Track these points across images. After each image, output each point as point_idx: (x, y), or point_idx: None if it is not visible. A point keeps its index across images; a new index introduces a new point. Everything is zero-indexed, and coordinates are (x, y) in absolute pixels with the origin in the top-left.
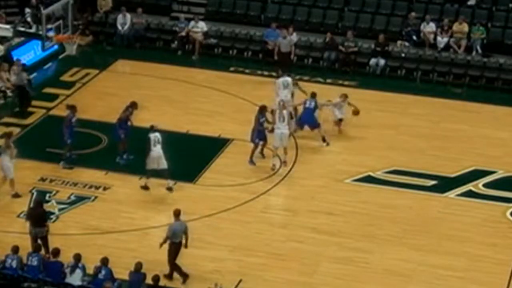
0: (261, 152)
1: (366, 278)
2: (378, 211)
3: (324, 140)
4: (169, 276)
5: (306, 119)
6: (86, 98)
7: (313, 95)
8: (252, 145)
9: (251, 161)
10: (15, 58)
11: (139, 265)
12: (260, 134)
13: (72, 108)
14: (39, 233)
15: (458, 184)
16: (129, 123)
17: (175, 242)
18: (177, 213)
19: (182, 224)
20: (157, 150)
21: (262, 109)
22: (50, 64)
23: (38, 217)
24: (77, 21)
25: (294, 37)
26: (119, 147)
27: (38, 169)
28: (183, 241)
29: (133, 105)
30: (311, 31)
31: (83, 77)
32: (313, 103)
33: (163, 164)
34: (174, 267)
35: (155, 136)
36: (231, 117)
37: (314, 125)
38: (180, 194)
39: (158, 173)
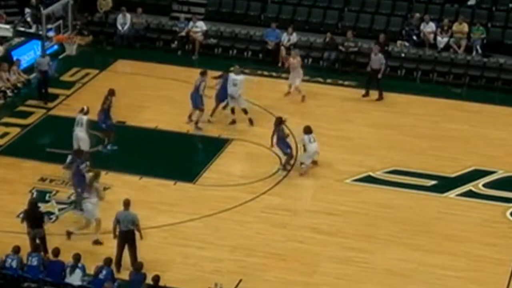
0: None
1: (366, 278)
2: (378, 211)
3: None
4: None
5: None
6: (86, 98)
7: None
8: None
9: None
10: (15, 58)
11: (139, 265)
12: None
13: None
14: (37, 234)
15: (458, 184)
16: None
17: (121, 230)
18: (126, 203)
19: (128, 214)
20: (77, 131)
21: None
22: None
23: (36, 218)
24: (75, 21)
25: (294, 37)
26: (105, 136)
27: (38, 169)
28: (136, 232)
29: (111, 93)
30: (311, 31)
31: (83, 77)
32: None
33: (85, 147)
34: (117, 252)
35: (80, 118)
36: (231, 117)
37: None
38: (180, 194)
39: None
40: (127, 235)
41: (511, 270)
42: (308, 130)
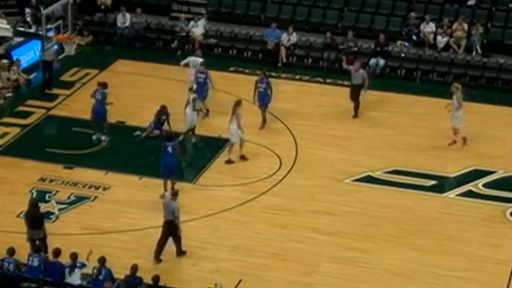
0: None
1: (366, 278)
2: (378, 211)
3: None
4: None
5: None
6: (86, 98)
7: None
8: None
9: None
10: (15, 58)
11: (134, 269)
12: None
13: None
14: (35, 235)
15: (458, 184)
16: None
17: (164, 220)
18: (173, 193)
19: (171, 204)
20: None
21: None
22: None
23: (36, 219)
24: (75, 21)
25: (294, 37)
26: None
27: (38, 169)
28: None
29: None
30: (311, 31)
31: (83, 77)
32: None
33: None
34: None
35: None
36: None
37: None
38: (180, 194)
39: None
40: (168, 225)
41: (511, 270)
42: None
